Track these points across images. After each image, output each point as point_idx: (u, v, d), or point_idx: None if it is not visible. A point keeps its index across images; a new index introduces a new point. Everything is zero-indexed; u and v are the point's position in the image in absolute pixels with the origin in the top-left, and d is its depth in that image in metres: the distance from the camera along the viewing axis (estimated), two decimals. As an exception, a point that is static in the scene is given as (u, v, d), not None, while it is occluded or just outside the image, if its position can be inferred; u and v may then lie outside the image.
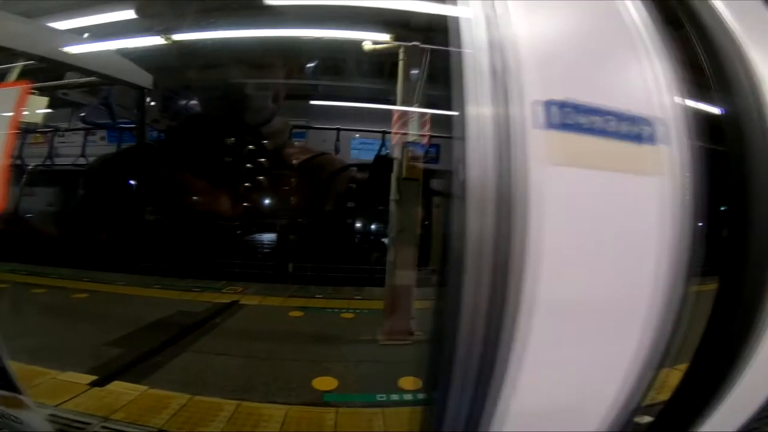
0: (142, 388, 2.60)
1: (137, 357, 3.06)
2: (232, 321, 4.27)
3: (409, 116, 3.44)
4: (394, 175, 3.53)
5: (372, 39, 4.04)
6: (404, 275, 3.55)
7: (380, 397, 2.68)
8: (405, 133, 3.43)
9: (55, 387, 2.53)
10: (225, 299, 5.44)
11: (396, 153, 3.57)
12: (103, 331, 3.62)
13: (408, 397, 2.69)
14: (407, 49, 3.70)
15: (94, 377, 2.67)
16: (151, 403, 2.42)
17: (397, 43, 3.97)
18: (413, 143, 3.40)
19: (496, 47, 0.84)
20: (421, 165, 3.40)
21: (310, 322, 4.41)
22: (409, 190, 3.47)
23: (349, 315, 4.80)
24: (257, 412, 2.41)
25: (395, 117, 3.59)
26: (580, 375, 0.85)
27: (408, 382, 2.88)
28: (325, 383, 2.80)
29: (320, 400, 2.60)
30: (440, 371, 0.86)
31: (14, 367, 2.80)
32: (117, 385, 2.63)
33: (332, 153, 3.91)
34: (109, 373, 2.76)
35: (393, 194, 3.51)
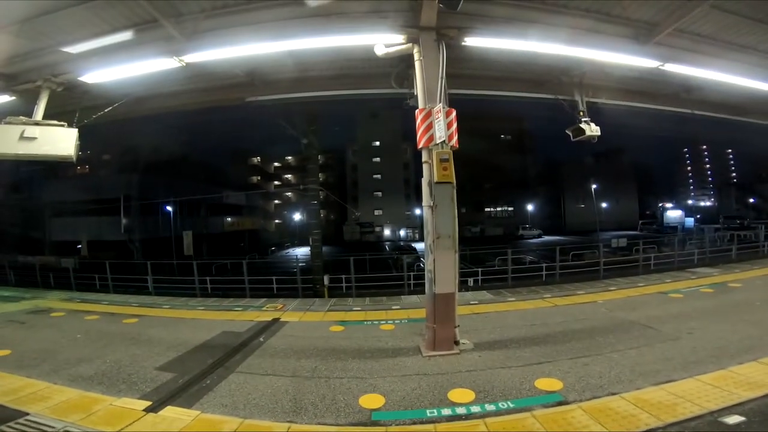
0: (194, 413, 2.61)
1: (187, 381, 3.08)
2: (278, 339, 4.24)
3: (433, 115, 3.27)
4: (426, 179, 3.37)
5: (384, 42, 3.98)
6: (446, 283, 3.35)
7: (431, 412, 2.45)
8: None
9: (112, 414, 2.59)
10: (266, 317, 5.68)
11: (425, 156, 3.42)
12: (154, 355, 3.73)
13: (461, 410, 2.43)
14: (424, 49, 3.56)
15: (147, 403, 2.73)
16: (205, 428, 2.42)
17: (410, 44, 3.87)
18: (442, 144, 3.22)
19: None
20: (451, 167, 3.20)
21: (350, 335, 4.29)
22: (443, 194, 3.29)
23: (389, 326, 4.69)
24: None
25: (419, 116, 3.45)
26: None
27: (459, 395, 2.64)
28: (372, 401, 2.65)
29: (369, 419, 2.44)
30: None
31: (74, 395, 2.85)
32: (170, 411, 2.66)
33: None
34: (161, 398, 2.79)
35: (426, 200, 3.35)
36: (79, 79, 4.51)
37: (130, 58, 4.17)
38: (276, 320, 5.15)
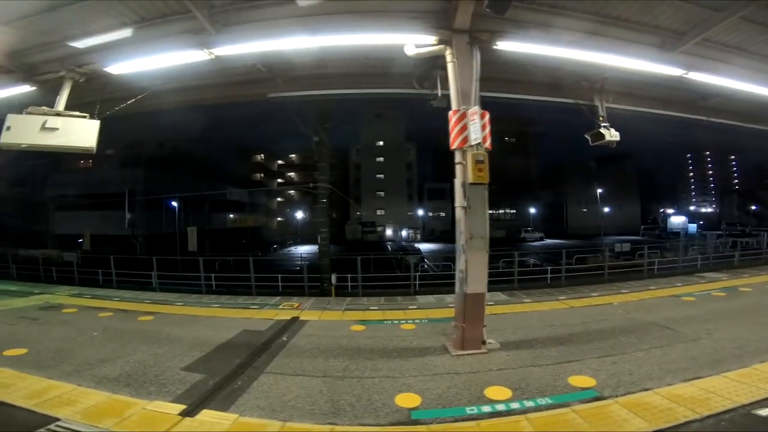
0: (232, 416, 2.55)
1: (218, 382, 3.02)
2: (301, 339, 4.27)
3: (468, 117, 3.40)
4: (459, 180, 3.50)
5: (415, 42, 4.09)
6: (477, 283, 3.48)
7: (470, 409, 2.53)
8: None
9: (147, 418, 2.51)
10: (285, 316, 5.62)
11: (458, 157, 3.54)
12: (177, 355, 3.66)
13: (500, 407, 2.53)
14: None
15: (182, 406, 2.64)
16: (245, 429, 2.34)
17: (442, 45, 3.99)
18: (477, 146, 3.35)
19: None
20: (486, 169, 3.33)
21: (373, 335, 4.37)
22: (477, 195, 3.42)
23: (410, 326, 4.80)
24: None
25: (453, 118, 3.57)
26: None
27: (496, 392, 2.74)
28: (408, 400, 2.70)
29: (408, 418, 2.48)
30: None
31: (102, 398, 2.75)
32: (207, 415, 2.59)
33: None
34: (195, 401, 2.71)
35: (460, 201, 3.47)
36: (104, 69, 4.50)
37: (159, 49, 4.17)
38: (295, 319, 5.22)
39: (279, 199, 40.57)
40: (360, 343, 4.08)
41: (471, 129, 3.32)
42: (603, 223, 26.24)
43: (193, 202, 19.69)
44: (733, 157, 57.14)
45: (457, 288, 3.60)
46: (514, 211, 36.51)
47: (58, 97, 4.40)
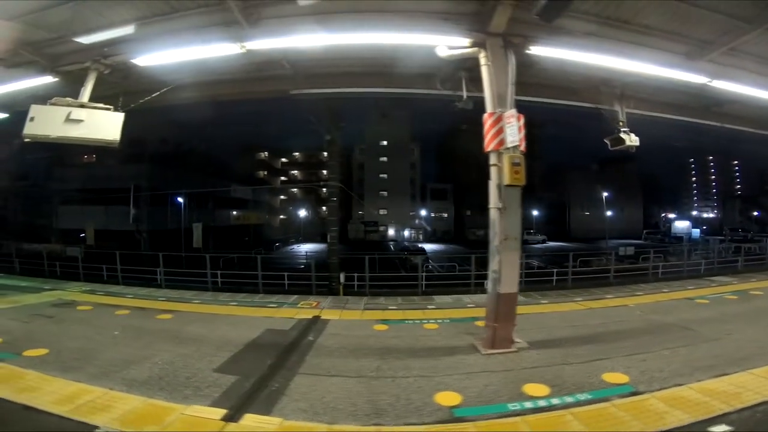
0: (276, 420, 2.54)
1: (254, 384, 2.99)
2: (327, 338, 4.34)
3: (505, 120, 3.56)
4: (494, 181, 3.66)
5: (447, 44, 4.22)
6: (510, 283, 3.65)
7: (512, 406, 2.65)
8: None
9: (189, 424, 2.45)
10: (305, 315, 5.60)
11: (493, 159, 3.70)
12: (205, 355, 3.63)
13: (542, 403, 2.65)
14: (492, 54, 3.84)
15: (222, 410, 2.60)
16: None
17: (476, 48, 4.14)
18: (513, 148, 3.51)
19: None
20: (523, 171, 3.49)
21: (398, 334, 4.49)
22: (512, 197, 3.59)
23: (433, 326, 4.96)
24: None
25: (489, 121, 3.72)
26: None
27: (534, 389, 2.87)
28: (448, 398, 2.80)
29: (452, 416, 2.56)
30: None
31: (138, 402, 2.69)
32: (251, 419, 2.56)
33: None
34: (236, 405, 2.67)
35: (495, 202, 3.64)
36: (131, 61, 4.51)
37: (189, 41, 4.18)
38: (317, 318, 5.32)
39: (281, 197, 40.94)
40: (387, 343, 4.18)
41: (507, 132, 3.48)
42: (607, 226, 26.76)
43: (197, 199, 19.78)
44: (735, 162, 58.40)
45: (489, 288, 3.75)
46: (517, 212, 36.86)
47: (82, 88, 4.39)
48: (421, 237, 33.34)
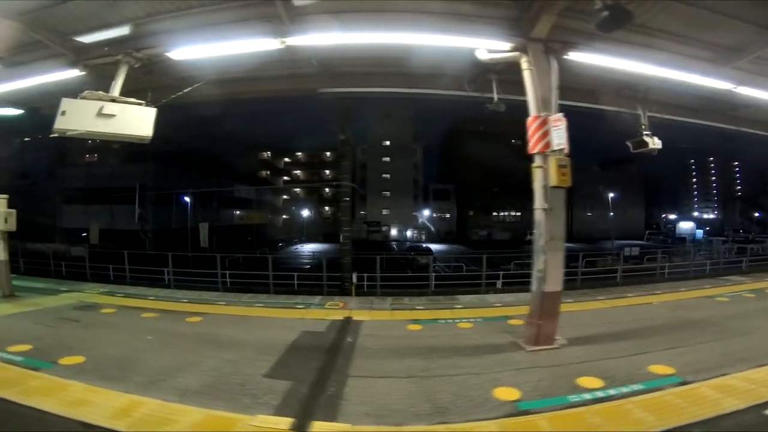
0: (345, 426, 2.58)
1: (310, 390, 3.00)
2: (365, 339, 4.45)
3: (551, 123, 3.80)
4: (540, 182, 3.89)
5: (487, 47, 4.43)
6: (555, 282, 3.89)
7: (572, 398, 2.83)
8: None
9: None
10: (336, 316, 5.68)
11: (538, 161, 3.94)
12: (250, 360, 3.62)
13: (600, 394, 2.85)
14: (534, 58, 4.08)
15: (289, 419, 2.61)
16: None
17: (516, 52, 4.37)
18: (559, 150, 3.75)
19: None
20: (569, 172, 3.73)
21: (434, 334, 4.65)
22: (557, 198, 3.82)
23: (467, 325, 5.16)
24: (474, 430, 2.48)
25: (534, 124, 3.96)
26: None
27: (588, 381, 3.07)
28: (507, 393, 2.95)
29: (517, 410, 2.71)
30: None
31: (200, 415, 2.64)
32: (320, 426, 2.59)
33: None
34: (300, 413, 2.68)
35: (540, 203, 3.87)
36: (165, 54, 4.50)
37: (228, 35, 4.19)
38: (349, 319, 5.44)
39: (284, 196, 41.48)
40: (426, 343, 4.33)
41: (554, 135, 3.71)
42: (612, 227, 27.47)
43: (202, 198, 19.82)
44: (736, 163, 60.27)
45: (534, 287, 3.97)
46: (519, 213, 37.66)
47: (113, 82, 4.36)
48: (423, 237, 33.73)
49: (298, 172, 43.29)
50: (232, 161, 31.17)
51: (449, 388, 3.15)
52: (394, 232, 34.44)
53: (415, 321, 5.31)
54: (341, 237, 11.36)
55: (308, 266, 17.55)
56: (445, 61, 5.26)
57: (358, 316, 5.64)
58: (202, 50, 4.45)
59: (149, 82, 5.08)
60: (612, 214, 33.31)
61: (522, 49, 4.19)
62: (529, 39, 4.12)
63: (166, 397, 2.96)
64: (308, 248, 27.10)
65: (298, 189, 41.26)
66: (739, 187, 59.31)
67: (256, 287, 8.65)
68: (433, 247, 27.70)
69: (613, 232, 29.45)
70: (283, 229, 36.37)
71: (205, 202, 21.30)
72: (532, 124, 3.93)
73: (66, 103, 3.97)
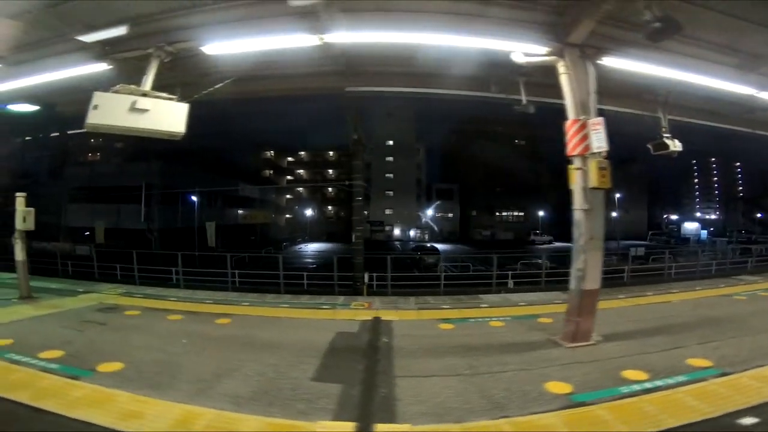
0: (406, 427, 2.64)
1: (362, 392, 3.06)
2: (401, 339, 4.58)
3: (590, 126, 4.04)
4: (579, 184, 4.13)
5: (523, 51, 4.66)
6: (594, 280, 4.14)
7: (623, 389, 3.04)
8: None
9: None
10: (364, 316, 5.79)
11: (578, 163, 4.18)
12: (292, 363, 3.65)
13: (648, 385, 3.09)
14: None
15: (351, 423, 2.63)
16: None
17: (553, 57, 4.61)
18: (598, 153, 4.00)
19: None
20: (609, 174, 3.98)
21: (468, 332, 4.87)
22: (597, 199, 4.07)
23: (499, 323, 5.39)
24: (538, 422, 2.63)
25: (573, 127, 4.19)
26: None
27: (633, 374, 3.31)
28: (559, 387, 3.13)
29: (573, 402, 2.89)
30: None
31: (262, 424, 2.62)
32: (384, 428, 2.61)
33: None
34: (360, 417, 2.73)
35: (580, 204, 4.11)
36: (199, 48, 4.52)
37: (265, 30, 4.23)
38: (378, 319, 5.59)
39: (287, 196, 42.25)
40: (462, 341, 4.51)
41: (593, 138, 3.95)
42: (613, 227, 28.10)
43: (207, 197, 19.89)
44: (738, 164, 61.94)
45: (573, 285, 4.22)
46: (522, 213, 38.28)
47: (144, 76, 4.34)
48: (426, 237, 34.15)
49: (302, 171, 44.09)
50: (236, 160, 31.46)
51: (500, 384, 3.30)
52: (397, 231, 34.88)
53: (445, 320, 5.49)
54: (353, 237, 11.54)
55: (314, 266, 17.74)
56: (472, 63, 5.49)
57: (386, 316, 5.79)
58: (236, 45, 4.48)
59: (174, 77, 5.12)
60: (614, 213, 34.15)
61: (558, 53, 4.42)
62: (566, 44, 4.35)
63: (220, 405, 2.92)
64: (312, 248, 27.33)
65: (301, 188, 41.98)
66: (740, 188, 61.06)
67: (271, 287, 8.79)
68: (439, 246, 28.11)
69: (614, 232, 30.14)
70: (287, 229, 36.94)
71: (211, 201, 21.44)
72: (571, 128, 4.17)
73: (98, 97, 3.92)
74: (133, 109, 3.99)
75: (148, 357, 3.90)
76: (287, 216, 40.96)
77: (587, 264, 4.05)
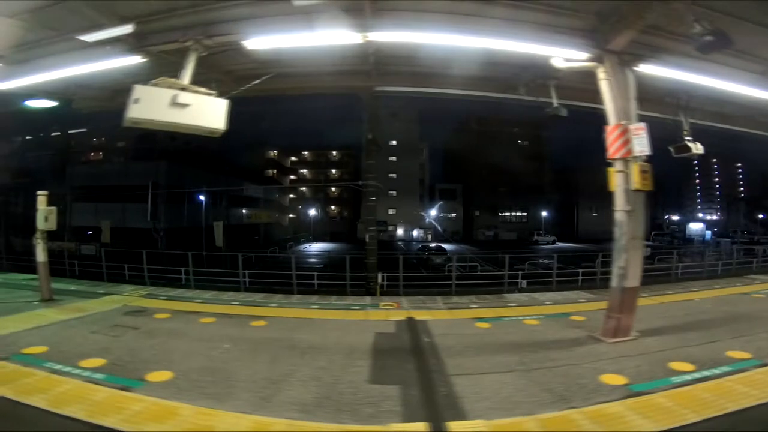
0: (480, 423, 2.72)
1: (422, 392, 3.15)
2: (442, 339, 4.76)
3: (632, 131, 4.35)
4: (621, 186, 4.44)
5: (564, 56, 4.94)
6: (635, 278, 4.45)
7: (674, 379, 3.33)
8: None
9: None
10: (397, 316, 5.96)
11: (619, 166, 4.49)
12: (343, 366, 3.75)
13: (697, 375, 3.39)
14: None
15: (423, 423, 2.73)
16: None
17: (593, 63, 4.91)
18: (640, 156, 4.31)
19: None
20: (650, 177, 4.30)
21: (507, 331, 5.14)
22: (638, 200, 4.39)
23: (533, 321, 5.68)
24: (606, 411, 2.82)
25: (615, 132, 4.49)
26: None
27: (680, 366, 3.61)
28: (613, 379, 3.37)
29: (632, 392, 3.12)
30: None
31: (341, 430, 2.68)
32: (458, 426, 2.70)
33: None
34: (429, 417, 2.83)
35: (622, 205, 4.42)
36: (241, 43, 4.55)
37: (309, 26, 4.29)
38: (411, 319, 5.79)
39: (291, 195, 43.17)
40: (505, 339, 4.77)
41: (635, 142, 4.26)
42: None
43: (213, 196, 19.94)
44: (739, 164, 63.95)
45: (614, 283, 4.53)
46: (525, 213, 39.04)
47: (183, 70, 4.35)
48: (429, 237, 34.66)
49: (305, 170, 45.06)
50: (241, 158, 31.51)
51: (556, 379, 3.51)
52: (400, 231, 35.34)
53: (480, 319, 5.72)
54: (367, 237, 11.76)
55: (321, 266, 17.94)
56: (505, 65, 5.78)
57: (418, 315, 5.97)
58: (276, 41, 4.50)
59: (203, 73, 5.05)
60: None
61: (598, 59, 4.73)
62: (606, 51, 4.66)
63: (288, 414, 2.92)
64: (316, 247, 27.58)
65: (304, 188, 42.85)
66: (742, 189, 63.14)
67: (284, 288, 8.95)
68: (444, 246, 28.52)
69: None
70: (290, 228, 37.56)
71: (215, 201, 21.52)
72: (612, 132, 4.48)
73: (139, 91, 3.87)
74: (174, 103, 3.90)
75: (195, 364, 3.87)
76: (290, 216, 41.74)
77: (629, 262, 4.35)
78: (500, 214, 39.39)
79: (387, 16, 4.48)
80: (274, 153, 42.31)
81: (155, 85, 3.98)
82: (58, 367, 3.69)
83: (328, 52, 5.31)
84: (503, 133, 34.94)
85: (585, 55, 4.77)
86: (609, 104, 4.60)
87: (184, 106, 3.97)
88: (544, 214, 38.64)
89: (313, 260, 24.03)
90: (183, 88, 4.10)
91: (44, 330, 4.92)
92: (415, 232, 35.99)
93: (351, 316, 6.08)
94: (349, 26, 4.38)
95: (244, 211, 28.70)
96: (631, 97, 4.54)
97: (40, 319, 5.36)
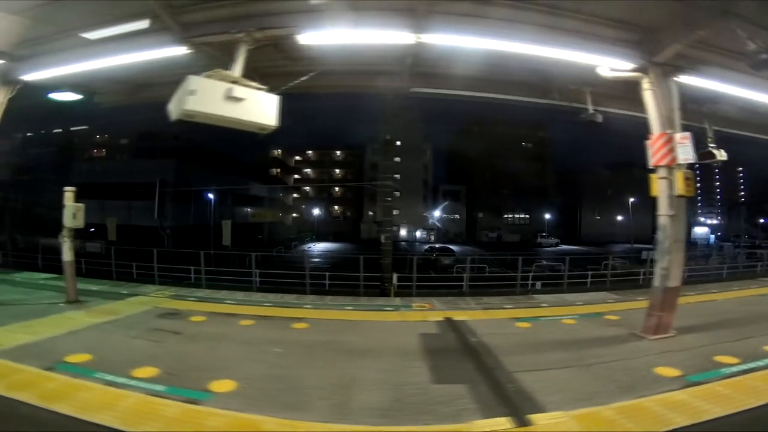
0: (560, 414, 2.91)
1: (493, 389, 3.33)
2: (489, 338, 5.00)
3: (677, 140, 4.75)
4: (664, 192, 4.84)
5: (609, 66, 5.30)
6: (676, 278, 4.85)
7: (723, 370, 3.71)
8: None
9: None
10: (435, 317, 6.21)
11: (662, 173, 4.88)
12: (404, 368, 3.87)
13: (743, 367, 3.79)
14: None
15: (503, 419, 2.90)
16: (595, 422, 2.79)
17: (638, 73, 5.29)
18: (684, 164, 4.71)
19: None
20: (693, 183, 4.71)
21: (548, 330, 5.47)
22: (681, 206, 4.79)
23: (571, 321, 6.04)
24: (674, 398, 3.09)
25: (659, 141, 4.88)
26: None
27: (725, 359, 4.00)
28: (667, 371, 3.71)
29: (688, 382, 3.44)
30: None
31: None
32: (540, 418, 2.87)
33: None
34: (510, 411, 3.00)
35: (666, 210, 4.81)
36: (294, 36, 4.60)
37: (363, 23, 4.39)
38: (449, 319, 6.05)
39: (295, 195, 44.11)
40: (550, 337, 5.06)
41: (679, 150, 4.66)
42: (620, 231, 29.92)
43: (220, 195, 20.00)
44: (740, 169, 66.15)
45: (657, 282, 4.92)
46: (528, 215, 39.89)
47: (233, 63, 4.32)
48: (432, 237, 35.17)
49: (309, 170, 46.10)
50: (244, 158, 31.85)
51: (616, 372, 3.78)
52: (403, 232, 35.77)
53: (519, 319, 6.01)
54: (382, 237, 12.06)
55: (328, 266, 18.16)
56: (543, 72, 6.13)
57: (455, 316, 6.24)
58: (329, 37, 4.57)
59: (257, 67, 5.17)
60: (620, 217, 36.22)
61: (643, 70, 5.11)
62: (651, 62, 5.05)
63: (372, 420, 2.98)
64: (321, 247, 27.87)
65: (308, 187, 43.77)
66: (742, 193, 65.41)
67: (296, 288, 9.16)
68: (451, 247, 28.92)
69: (618, 236, 32.05)
70: (294, 227, 38.08)
71: (222, 199, 21.58)
72: (657, 141, 4.87)
73: (194, 82, 3.76)
74: (229, 97, 3.83)
75: (255, 371, 3.84)
76: (294, 215, 42.40)
77: (671, 263, 4.75)
78: (503, 215, 40.39)
79: (440, 19, 4.66)
80: (278, 152, 43.11)
81: (209, 77, 3.92)
82: (110, 377, 3.56)
83: (370, 51, 5.51)
84: (507, 135, 35.74)
85: (629, 65, 5.15)
86: (653, 113, 4.99)
87: (239, 100, 3.87)
88: (547, 216, 39.71)
89: (318, 260, 24.28)
90: (234, 82, 4.06)
91: (80, 335, 4.83)
92: (418, 233, 36.64)
93: (388, 318, 6.30)
94: (402, 27, 4.56)
95: (248, 209, 29.05)
96: (675, 107, 4.94)
97: (71, 323, 5.30)
